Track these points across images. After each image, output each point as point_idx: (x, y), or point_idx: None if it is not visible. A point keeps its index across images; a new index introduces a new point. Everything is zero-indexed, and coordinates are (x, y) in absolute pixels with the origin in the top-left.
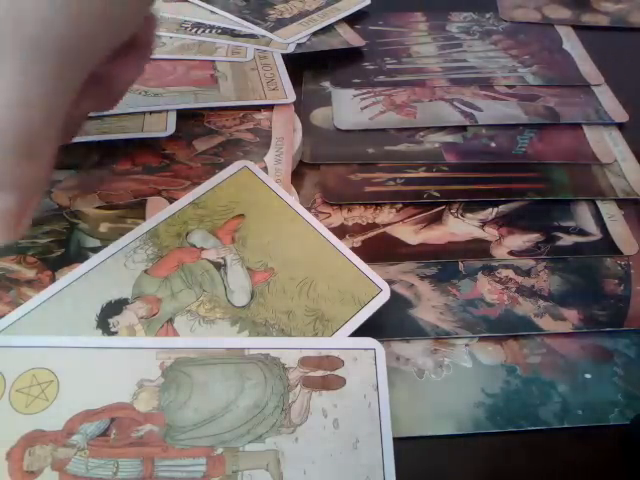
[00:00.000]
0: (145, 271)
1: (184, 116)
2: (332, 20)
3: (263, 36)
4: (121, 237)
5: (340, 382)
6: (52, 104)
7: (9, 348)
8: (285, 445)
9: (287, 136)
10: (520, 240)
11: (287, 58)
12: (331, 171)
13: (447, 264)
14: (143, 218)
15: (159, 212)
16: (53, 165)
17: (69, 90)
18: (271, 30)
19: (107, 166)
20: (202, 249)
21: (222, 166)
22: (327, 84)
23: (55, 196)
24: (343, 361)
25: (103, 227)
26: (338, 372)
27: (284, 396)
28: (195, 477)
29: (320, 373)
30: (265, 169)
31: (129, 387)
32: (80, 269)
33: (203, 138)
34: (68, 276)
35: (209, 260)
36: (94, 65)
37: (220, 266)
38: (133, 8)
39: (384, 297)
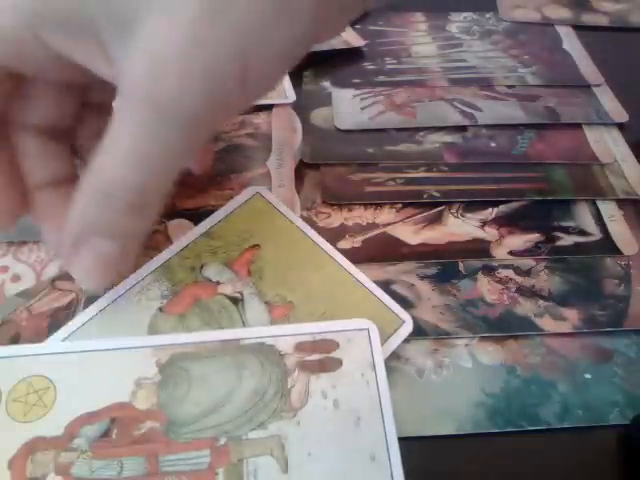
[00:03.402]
0: (160, 309)
1: None
2: None
3: None
4: (132, 273)
5: (337, 364)
6: (172, 164)
7: (1, 359)
8: (287, 429)
9: (287, 139)
10: (520, 240)
11: None
12: (331, 171)
13: (447, 264)
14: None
15: (173, 244)
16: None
17: (190, 152)
18: None
19: None
20: (218, 283)
21: (225, 172)
22: (327, 84)
23: None
24: (338, 343)
25: None
26: (334, 354)
27: (282, 382)
28: (200, 469)
29: (316, 357)
30: (268, 174)
31: (127, 386)
32: (90, 310)
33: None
34: (76, 320)
35: (226, 295)
36: (215, 132)
37: (237, 301)
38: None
39: (407, 329)
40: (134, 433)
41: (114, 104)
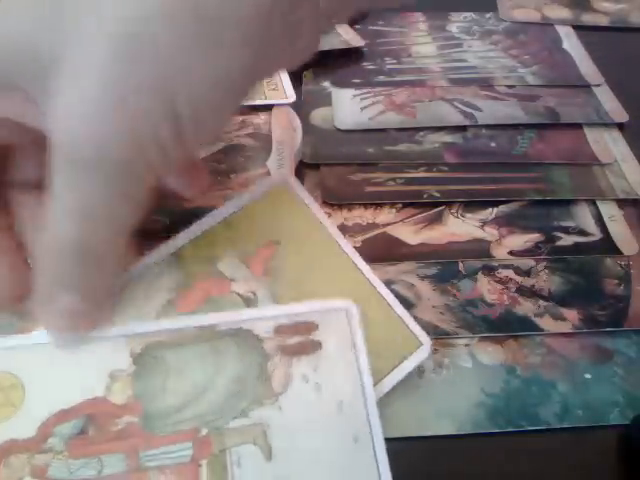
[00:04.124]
0: (169, 301)
1: None
2: None
3: None
4: (141, 258)
5: (317, 345)
6: (112, 215)
7: None
8: (270, 416)
9: (287, 139)
10: (520, 240)
11: None
12: (331, 171)
13: (447, 264)
14: None
15: (184, 231)
16: (119, 268)
17: (131, 200)
18: None
19: None
20: (232, 280)
21: (225, 173)
22: (327, 84)
23: None
24: (317, 324)
25: None
26: (314, 336)
27: (262, 367)
28: (183, 462)
29: (296, 339)
30: (268, 174)
31: (101, 380)
32: None
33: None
34: None
35: (238, 294)
36: (156, 178)
37: (250, 301)
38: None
39: (425, 352)
40: (111, 429)
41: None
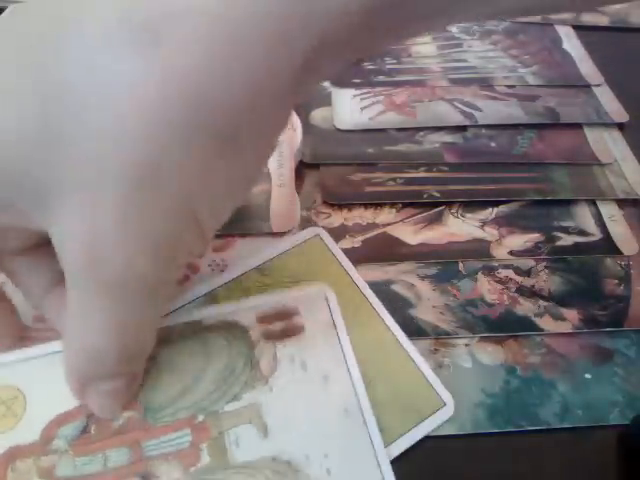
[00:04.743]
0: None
1: None
2: None
3: None
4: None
5: (299, 328)
6: (143, 329)
7: None
8: (262, 397)
9: (287, 139)
10: (520, 240)
11: None
12: (331, 171)
13: (447, 264)
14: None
15: (224, 272)
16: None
17: (157, 309)
18: None
19: None
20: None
21: None
22: (327, 84)
23: None
24: (298, 310)
25: None
26: (295, 320)
27: (249, 353)
28: (184, 447)
29: (279, 325)
30: (268, 174)
31: None
32: None
33: None
34: None
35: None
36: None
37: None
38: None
39: (447, 412)
40: (113, 425)
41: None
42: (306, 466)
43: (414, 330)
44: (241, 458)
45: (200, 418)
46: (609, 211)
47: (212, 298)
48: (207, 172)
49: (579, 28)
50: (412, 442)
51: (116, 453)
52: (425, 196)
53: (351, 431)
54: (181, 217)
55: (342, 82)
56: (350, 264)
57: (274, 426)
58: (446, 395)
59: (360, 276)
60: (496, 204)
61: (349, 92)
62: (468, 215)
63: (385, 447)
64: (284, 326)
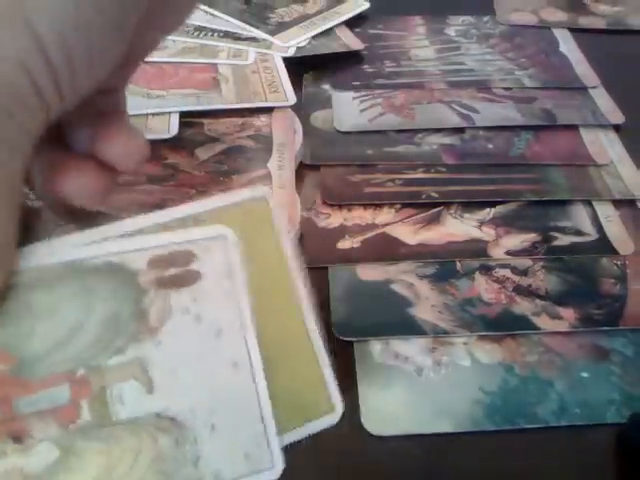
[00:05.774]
0: None
1: (184, 124)
2: (332, 24)
3: (264, 39)
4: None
5: (195, 276)
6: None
7: None
8: (148, 351)
9: (288, 141)
10: (517, 240)
11: (288, 61)
12: (331, 172)
13: (445, 264)
14: None
15: (151, 214)
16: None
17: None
18: (272, 33)
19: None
20: None
21: (226, 174)
22: (327, 87)
23: (57, 210)
24: (195, 254)
25: None
26: (192, 266)
27: (137, 302)
28: (61, 404)
29: (173, 271)
30: (269, 175)
31: None
32: None
33: (205, 146)
34: None
35: None
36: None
37: None
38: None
39: (331, 420)
40: None
41: None
42: (191, 422)
43: (413, 329)
44: (124, 415)
45: (80, 372)
46: (605, 211)
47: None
48: None
49: (575, 31)
50: (291, 441)
51: None
52: (424, 197)
53: (239, 386)
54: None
55: (342, 85)
56: (288, 240)
57: (160, 382)
58: (338, 402)
59: (295, 255)
60: (493, 205)
61: (349, 95)
62: (466, 215)
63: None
64: (179, 272)
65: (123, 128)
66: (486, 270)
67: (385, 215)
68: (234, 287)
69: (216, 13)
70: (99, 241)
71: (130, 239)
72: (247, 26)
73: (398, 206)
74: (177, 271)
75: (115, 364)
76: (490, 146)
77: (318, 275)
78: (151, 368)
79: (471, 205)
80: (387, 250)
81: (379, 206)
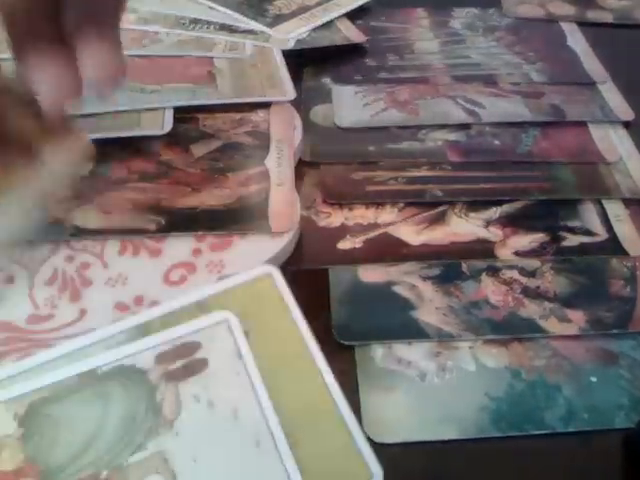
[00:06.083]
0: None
1: (179, 120)
2: (333, 16)
3: (262, 32)
4: (102, 327)
5: (202, 364)
6: None
7: None
8: (167, 444)
9: (287, 137)
10: (525, 240)
11: (287, 54)
12: (331, 170)
13: (450, 265)
14: None
15: (156, 306)
16: None
17: None
18: (270, 26)
19: (101, 175)
20: None
21: (222, 171)
22: (328, 81)
23: (51, 209)
24: (200, 343)
25: None
26: (197, 355)
27: (151, 398)
28: None
29: (180, 363)
30: (267, 172)
31: None
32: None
33: (200, 143)
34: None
35: None
36: None
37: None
38: None
39: None
40: None
41: None
42: None
43: (416, 332)
44: None
45: (104, 474)
46: (615, 210)
47: (145, 332)
48: None
49: (583, 24)
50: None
51: None
52: (427, 195)
53: (265, 465)
54: None
55: (343, 79)
56: (297, 308)
57: (182, 472)
58: (376, 467)
59: (304, 322)
60: (500, 203)
61: (350, 89)
62: (471, 215)
63: None
64: (186, 363)
65: (107, 36)
66: (493, 271)
67: (387, 214)
68: (244, 367)
69: (212, 5)
70: (111, 347)
71: (138, 342)
72: (244, 18)
73: (401, 205)
74: (184, 362)
75: (136, 461)
76: (496, 142)
77: (318, 276)
78: (172, 459)
79: (477, 204)
80: (390, 251)
81: (381, 205)
